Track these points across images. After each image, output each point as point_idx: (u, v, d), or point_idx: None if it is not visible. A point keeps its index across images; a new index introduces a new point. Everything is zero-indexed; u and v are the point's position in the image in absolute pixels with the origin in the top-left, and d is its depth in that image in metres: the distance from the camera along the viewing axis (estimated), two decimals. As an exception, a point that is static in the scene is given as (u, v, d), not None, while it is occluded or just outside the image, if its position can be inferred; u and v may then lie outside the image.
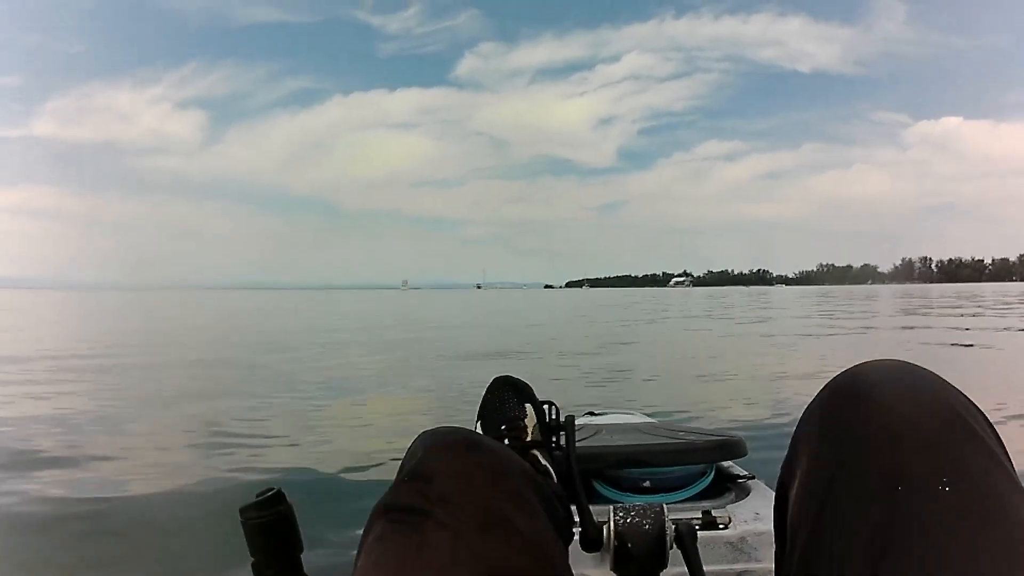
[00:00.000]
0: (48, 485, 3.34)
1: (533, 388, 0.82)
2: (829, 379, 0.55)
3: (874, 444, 0.47)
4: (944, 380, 0.51)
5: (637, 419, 1.94)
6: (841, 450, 0.49)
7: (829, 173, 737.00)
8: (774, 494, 0.58)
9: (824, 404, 0.53)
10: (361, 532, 0.53)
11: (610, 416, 2.03)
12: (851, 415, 0.50)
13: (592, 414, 2.11)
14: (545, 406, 0.81)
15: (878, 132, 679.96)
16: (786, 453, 0.56)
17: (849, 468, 0.47)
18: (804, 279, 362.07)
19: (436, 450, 0.58)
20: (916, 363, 0.53)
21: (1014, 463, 0.47)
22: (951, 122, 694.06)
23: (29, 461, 3.79)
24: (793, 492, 0.53)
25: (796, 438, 0.55)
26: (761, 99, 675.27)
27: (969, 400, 0.50)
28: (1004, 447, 0.48)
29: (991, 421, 0.49)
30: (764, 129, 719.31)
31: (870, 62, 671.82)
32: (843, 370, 0.55)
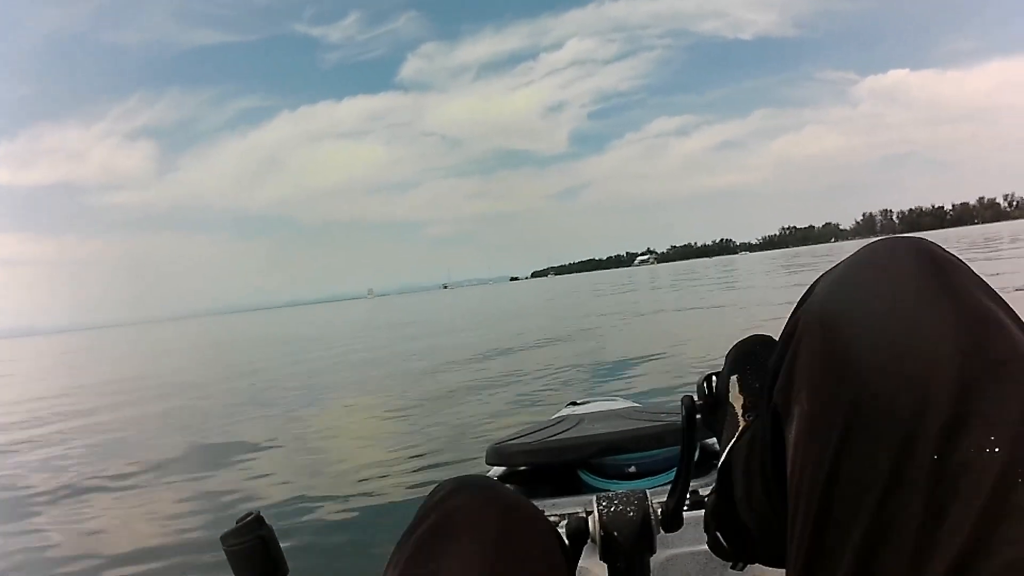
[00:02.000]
0: (31, 515, 3.52)
1: None
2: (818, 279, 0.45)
3: (891, 394, 0.36)
4: (980, 282, 0.39)
5: (619, 405, 1.92)
6: (852, 393, 0.38)
7: (783, 137, 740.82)
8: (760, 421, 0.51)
9: (825, 334, 0.41)
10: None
11: (592, 404, 2.00)
12: (859, 351, 0.38)
13: (575, 403, 2.09)
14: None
15: (827, 91, 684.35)
16: (776, 377, 0.45)
17: (865, 420, 0.37)
18: (768, 244, 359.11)
19: (455, 495, 0.57)
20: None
21: None
22: (898, 74, 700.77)
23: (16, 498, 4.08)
24: (792, 434, 0.42)
25: (792, 365, 0.43)
26: (707, 71, 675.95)
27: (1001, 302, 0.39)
28: None
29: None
30: (713, 100, 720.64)
31: (811, 23, 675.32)
32: (836, 278, 0.43)
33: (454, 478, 0.60)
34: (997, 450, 0.32)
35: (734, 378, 0.67)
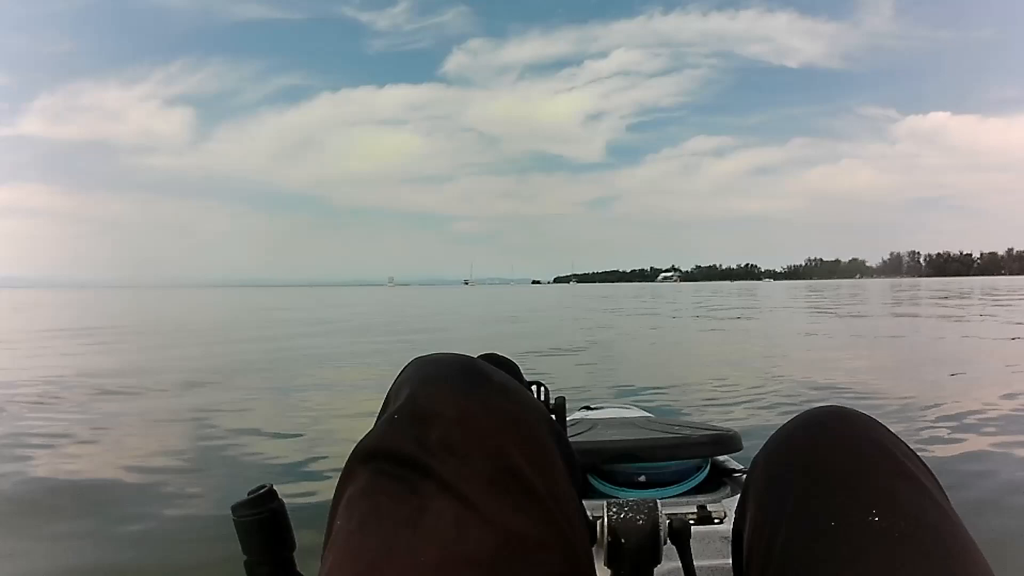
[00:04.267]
0: (34, 483, 3.34)
1: (520, 368, 0.69)
2: (777, 426, 0.58)
3: (810, 490, 0.49)
4: (877, 422, 0.53)
5: (633, 413, 1.94)
6: (782, 499, 0.50)
7: (818, 168, 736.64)
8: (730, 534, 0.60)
9: (768, 455, 0.55)
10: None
11: (606, 410, 2.02)
12: (788, 466, 0.52)
13: (588, 408, 2.10)
14: (534, 387, 0.73)
15: (866, 126, 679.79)
16: (739, 497, 0.58)
17: (789, 515, 0.49)
18: (792, 273, 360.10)
19: (434, 384, 0.49)
20: (853, 406, 0.56)
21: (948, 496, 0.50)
22: (939, 117, 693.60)
23: (17, 456, 3.83)
24: (745, 535, 0.54)
25: (745, 486, 0.57)
26: (749, 94, 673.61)
27: (902, 441, 0.52)
28: (939, 486, 0.50)
29: (926, 464, 0.51)
30: (752, 124, 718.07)
31: (857, 57, 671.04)
32: (784, 422, 0.56)
33: (426, 360, 0.54)
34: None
35: None
